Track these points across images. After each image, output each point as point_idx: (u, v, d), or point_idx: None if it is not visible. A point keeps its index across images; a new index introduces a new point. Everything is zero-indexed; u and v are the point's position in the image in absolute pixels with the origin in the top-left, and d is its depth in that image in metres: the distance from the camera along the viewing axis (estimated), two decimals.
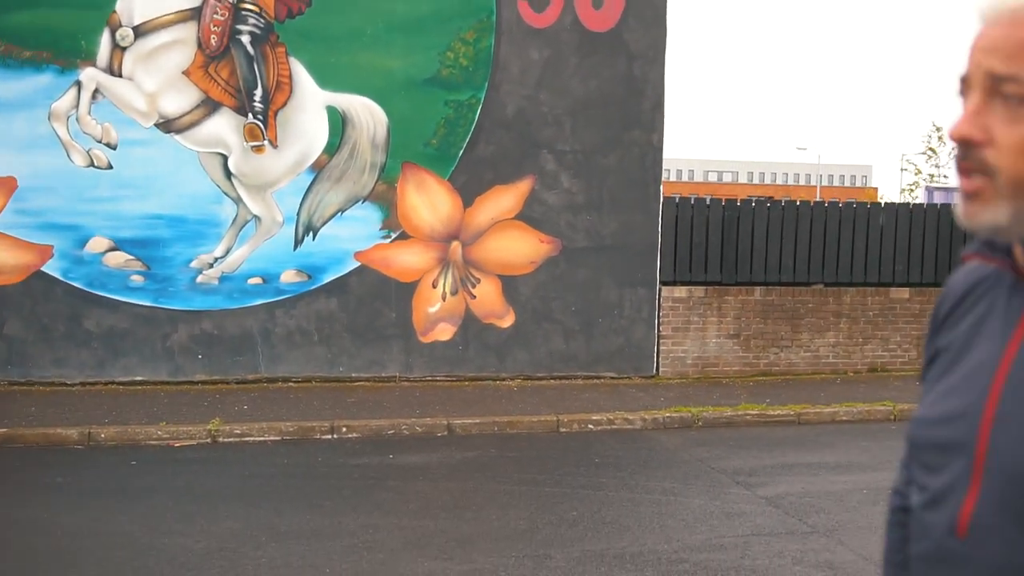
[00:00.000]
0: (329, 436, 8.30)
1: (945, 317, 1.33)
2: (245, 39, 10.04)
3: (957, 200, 1.15)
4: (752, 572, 4.95)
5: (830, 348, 11.77)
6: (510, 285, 10.83)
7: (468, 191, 10.70)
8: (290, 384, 10.25)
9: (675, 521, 5.81)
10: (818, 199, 12.84)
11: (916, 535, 1.24)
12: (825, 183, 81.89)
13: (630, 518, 5.85)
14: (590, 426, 8.78)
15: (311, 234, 10.37)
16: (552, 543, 5.30)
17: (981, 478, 1.12)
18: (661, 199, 11.17)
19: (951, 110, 1.21)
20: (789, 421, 9.13)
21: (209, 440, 8.00)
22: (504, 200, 10.77)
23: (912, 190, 43.60)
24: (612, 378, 11.06)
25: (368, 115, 10.37)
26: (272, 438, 8.15)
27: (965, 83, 1.13)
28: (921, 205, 12.55)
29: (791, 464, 7.44)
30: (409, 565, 4.93)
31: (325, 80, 10.29)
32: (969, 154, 1.10)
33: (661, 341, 11.26)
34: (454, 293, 10.70)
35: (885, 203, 12.98)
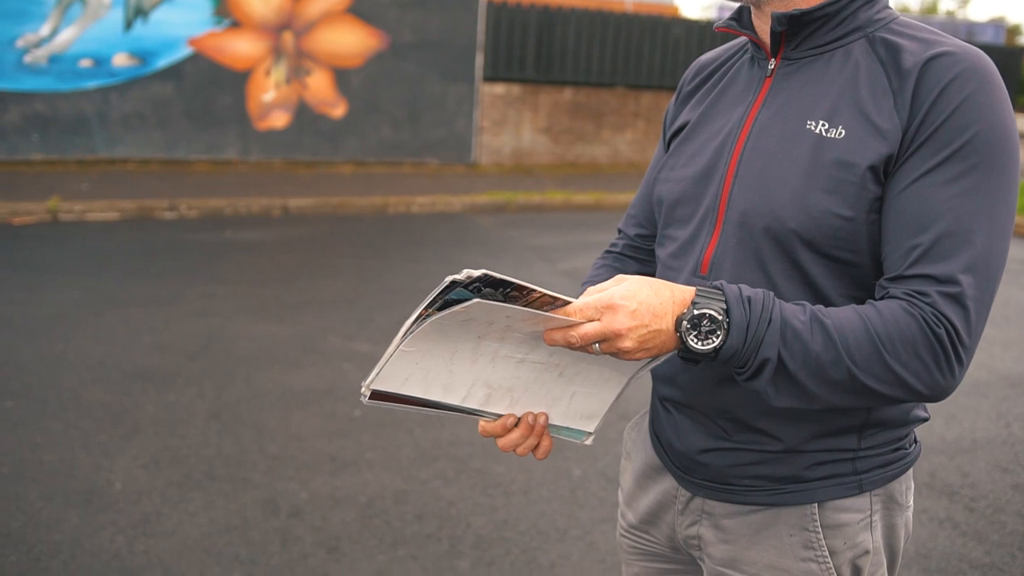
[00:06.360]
0: (169, 214, 7.87)
1: (691, 92, 1.33)
2: None
3: None
4: None
5: (627, 144, 11.97)
6: (342, 76, 10.31)
7: None
8: (129, 165, 9.57)
9: None
10: (626, 11, 12.65)
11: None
12: None
13: None
14: (414, 208, 8.69)
15: (141, 16, 9.41)
16: (374, 308, 5.30)
17: (720, 227, 1.17)
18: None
19: None
20: (590, 207, 9.33)
21: (49, 218, 7.43)
22: None
23: (709, 9, 43.87)
24: (436, 165, 10.92)
25: None
26: (113, 216, 7.66)
27: None
28: (711, 21, 12.62)
29: (589, 242, 7.59)
30: (244, 327, 4.82)
31: None
32: None
33: (481, 133, 11.12)
34: (288, 82, 10.10)
35: (682, 18, 12.99)
